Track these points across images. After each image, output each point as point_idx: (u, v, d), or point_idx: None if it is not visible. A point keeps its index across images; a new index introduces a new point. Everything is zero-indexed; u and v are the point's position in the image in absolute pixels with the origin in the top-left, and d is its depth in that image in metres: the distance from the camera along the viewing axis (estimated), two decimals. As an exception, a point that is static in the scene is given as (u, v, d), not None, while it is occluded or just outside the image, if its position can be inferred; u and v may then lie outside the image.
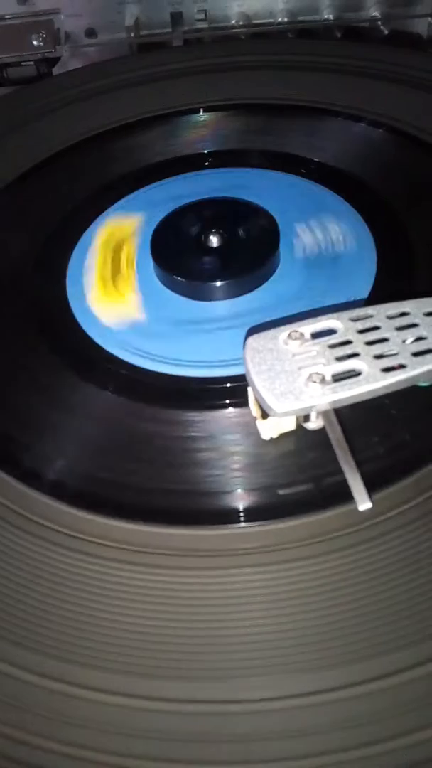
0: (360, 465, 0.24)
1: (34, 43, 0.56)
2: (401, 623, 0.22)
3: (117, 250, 0.37)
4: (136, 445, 0.28)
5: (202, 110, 0.45)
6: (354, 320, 0.26)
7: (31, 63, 0.57)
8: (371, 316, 0.26)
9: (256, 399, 0.25)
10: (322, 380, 0.24)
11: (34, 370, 0.31)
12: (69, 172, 0.42)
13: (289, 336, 0.25)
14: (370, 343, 0.25)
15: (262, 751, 0.20)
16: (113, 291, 0.35)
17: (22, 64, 0.57)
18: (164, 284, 0.34)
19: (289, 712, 0.21)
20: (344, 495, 0.24)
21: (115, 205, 0.40)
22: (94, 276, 0.36)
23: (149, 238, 0.36)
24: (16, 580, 0.24)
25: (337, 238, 0.35)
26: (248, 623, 0.23)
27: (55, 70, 0.57)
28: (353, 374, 0.24)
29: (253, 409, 0.27)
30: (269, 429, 0.27)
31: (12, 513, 0.26)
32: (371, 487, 0.24)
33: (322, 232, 0.36)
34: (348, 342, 0.25)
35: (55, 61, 0.57)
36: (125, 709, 0.21)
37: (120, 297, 0.34)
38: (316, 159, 0.41)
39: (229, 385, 0.29)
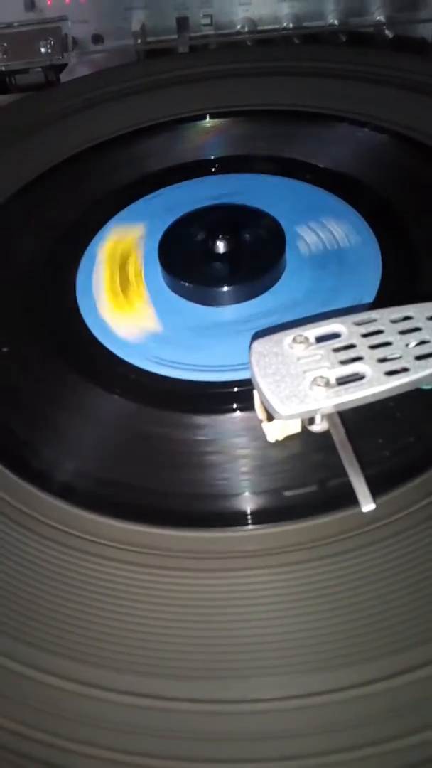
0: (365, 468, 0.25)
1: (42, 50, 0.56)
2: (407, 624, 0.22)
3: (124, 260, 0.37)
4: (142, 448, 0.29)
5: (208, 116, 0.46)
6: (358, 324, 0.26)
7: (39, 70, 0.57)
8: (375, 320, 0.26)
9: (262, 402, 0.25)
10: (327, 383, 0.24)
11: (45, 377, 0.32)
12: (76, 179, 0.43)
13: (294, 340, 0.26)
14: (373, 347, 0.25)
15: (264, 751, 0.20)
16: (123, 301, 0.35)
17: (30, 71, 0.57)
18: (173, 290, 0.35)
19: (294, 713, 0.21)
20: (350, 497, 0.24)
21: (120, 214, 0.40)
22: (103, 286, 0.36)
23: (156, 245, 0.36)
24: (26, 580, 0.25)
25: (342, 243, 0.36)
26: (253, 625, 0.23)
27: (63, 77, 0.57)
28: (357, 378, 0.25)
29: (259, 412, 0.27)
30: (275, 431, 0.27)
31: (21, 513, 0.27)
32: (377, 490, 0.24)
33: (327, 236, 0.36)
34: (352, 346, 0.25)
35: (63, 67, 0.57)
36: (131, 708, 0.22)
37: (130, 306, 0.35)
38: (321, 165, 0.41)
39: (236, 389, 0.30)
